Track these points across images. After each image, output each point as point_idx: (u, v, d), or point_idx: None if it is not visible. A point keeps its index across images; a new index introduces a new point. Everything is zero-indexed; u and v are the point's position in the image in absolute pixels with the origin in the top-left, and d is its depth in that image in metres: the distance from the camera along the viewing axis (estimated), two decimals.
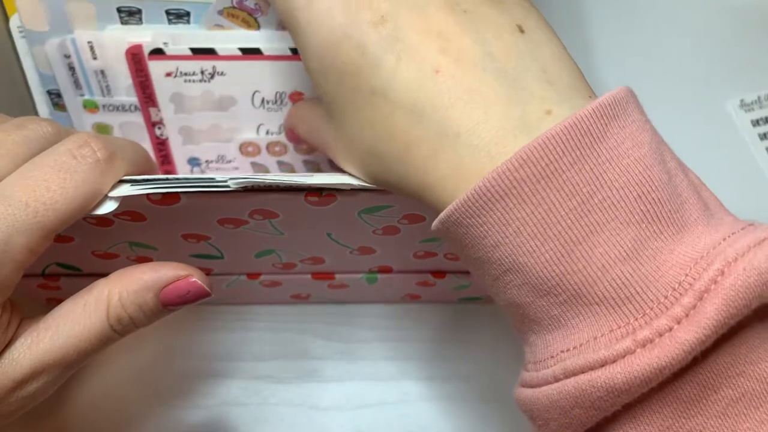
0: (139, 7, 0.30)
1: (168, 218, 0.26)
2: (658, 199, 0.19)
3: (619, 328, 0.18)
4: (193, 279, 0.24)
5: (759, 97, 0.44)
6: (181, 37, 0.31)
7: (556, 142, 0.18)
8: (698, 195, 0.20)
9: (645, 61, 0.45)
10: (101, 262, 0.31)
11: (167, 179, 0.24)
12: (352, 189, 0.24)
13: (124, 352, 0.37)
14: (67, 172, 0.22)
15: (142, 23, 0.31)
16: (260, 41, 0.30)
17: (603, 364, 0.18)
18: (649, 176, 0.19)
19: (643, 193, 0.19)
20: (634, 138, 0.19)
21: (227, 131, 0.34)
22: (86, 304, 0.24)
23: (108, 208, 0.24)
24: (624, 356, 0.18)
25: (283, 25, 0.30)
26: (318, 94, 0.24)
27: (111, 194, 0.24)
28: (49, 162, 0.23)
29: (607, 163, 0.19)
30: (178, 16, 0.31)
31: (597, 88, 0.45)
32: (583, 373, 0.18)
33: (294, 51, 0.31)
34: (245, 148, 0.34)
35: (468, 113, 0.20)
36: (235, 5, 0.30)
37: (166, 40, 0.31)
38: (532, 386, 0.20)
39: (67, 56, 0.31)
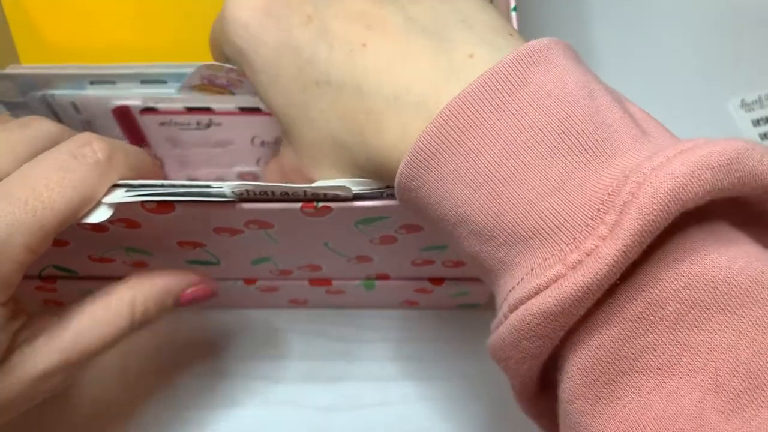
0: (113, 79, 0.30)
1: (163, 226, 0.26)
2: (583, 131, 0.19)
3: (552, 256, 0.18)
4: (205, 285, 0.28)
5: (760, 97, 0.44)
6: (173, 100, 0.30)
7: (476, 94, 0.19)
8: (635, 125, 0.20)
9: (646, 60, 0.45)
10: (97, 266, 0.31)
11: (163, 185, 0.24)
12: (348, 198, 0.24)
13: (123, 353, 0.37)
14: (66, 172, 0.23)
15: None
16: (259, 102, 0.30)
17: (537, 292, 0.18)
18: (572, 112, 0.19)
19: (566, 128, 0.19)
20: (556, 81, 0.20)
21: (225, 163, 0.34)
22: (108, 307, 0.26)
23: (102, 215, 0.23)
24: (556, 281, 0.18)
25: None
26: (272, 112, 0.25)
27: (105, 200, 0.23)
28: (49, 161, 0.23)
29: (528, 106, 0.19)
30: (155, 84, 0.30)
31: None
32: (522, 304, 0.19)
33: None
34: (244, 177, 0.34)
35: (400, 74, 0.21)
36: (206, 83, 0.29)
37: (158, 102, 0.30)
38: (492, 332, 0.21)
39: (50, 106, 0.31)
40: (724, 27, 0.46)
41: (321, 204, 0.25)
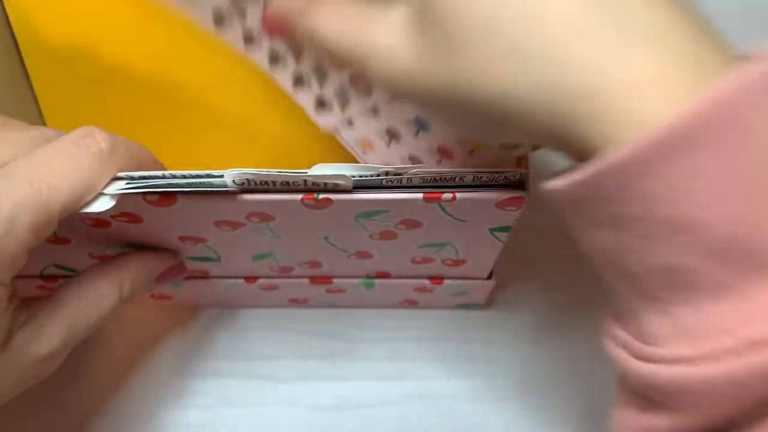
0: None
1: (165, 220, 0.26)
2: None
3: None
4: (179, 265, 0.31)
5: None
6: None
7: (739, 88, 0.16)
8: None
9: None
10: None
11: (164, 176, 0.24)
12: (348, 190, 0.24)
13: (122, 353, 0.37)
14: (70, 158, 0.23)
15: None
16: None
17: None
18: None
19: None
20: None
21: None
22: (99, 287, 0.27)
23: (105, 205, 0.24)
24: None
25: None
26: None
27: (107, 191, 0.24)
28: (53, 148, 0.24)
29: None
30: None
31: None
32: None
33: None
34: None
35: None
36: None
37: None
38: (674, 362, 0.18)
39: None
40: (724, 27, 0.46)
41: (321, 196, 0.25)
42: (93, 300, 0.27)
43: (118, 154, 0.24)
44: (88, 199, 0.23)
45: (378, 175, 0.24)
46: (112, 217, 0.26)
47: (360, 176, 0.24)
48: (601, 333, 0.22)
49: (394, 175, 0.24)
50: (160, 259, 0.30)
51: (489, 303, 0.38)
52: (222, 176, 0.24)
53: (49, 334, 0.25)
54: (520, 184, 0.25)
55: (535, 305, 0.39)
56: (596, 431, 0.36)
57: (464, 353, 0.38)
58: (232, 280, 0.34)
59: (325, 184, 0.24)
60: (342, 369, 0.37)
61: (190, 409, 0.36)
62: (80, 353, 0.35)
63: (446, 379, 0.37)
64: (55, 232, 0.27)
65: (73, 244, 0.29)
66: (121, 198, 0.24)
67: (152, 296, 0.36)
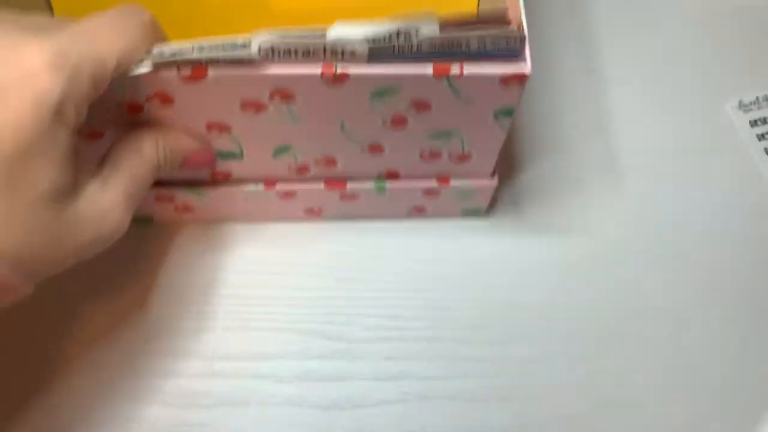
0: None
1: (194, 101, 0.29)
2: None
3: None
4: (207, 151, 0.32)
5: (757, 98, 0.44)
6: None
7: None
8: None
9: (644, 61, 0.46)
10: None
11: (192, 49, 0.26)
12: (363, 59, 0.27)
13: (123, 352, 0.37)
14: (120, 23, 0.26)
15: None
16: None
17: None
18: None
19: None
20: None
21: None
22: (143, 148, 0.29)
23: (144, 69, 0.26)
24: None
25: None
26: None
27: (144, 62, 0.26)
28: (103, 14, 0.26)
29: None
30: None
31: (598, 88, 0.46)
32: None
33: None
34: None
35: None
36: None
37: None
38: None
39: None
40: (723, 27, 0.46)
41: (340, 70, 0.27)
42: (139, 158, 0.29)
43: (156, 31, 0.27)
44: (131, 64, 0.26)
45: (390, 36, 0.26)
46: (146, 99, 0.28)
47: (374, 34, 0.26)
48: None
49: (405, 33, 0.26)
50: (189, 140, 0.31)
51: (492, 206, 0.40)
52: (247, 45, 0.26)
53: (114, 187, 0.27)
54: (520, 48, 0.28)
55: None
56: (595, 429, 0.36)
57: (464, 353, 0.38)
58: (252, 186, 0.36)
59: (343, 51, 0.27)
60: (342, 369, 0.37)
61: (191, 410, 0.36)
62: (77, 354, 0.35)
63: (446, 379, 0.37)
64: (91, 123, 0.29)
65: (105, 139, 0.30)
66: (155, 74, 0.26)
67: (175, 208, 0.37)
